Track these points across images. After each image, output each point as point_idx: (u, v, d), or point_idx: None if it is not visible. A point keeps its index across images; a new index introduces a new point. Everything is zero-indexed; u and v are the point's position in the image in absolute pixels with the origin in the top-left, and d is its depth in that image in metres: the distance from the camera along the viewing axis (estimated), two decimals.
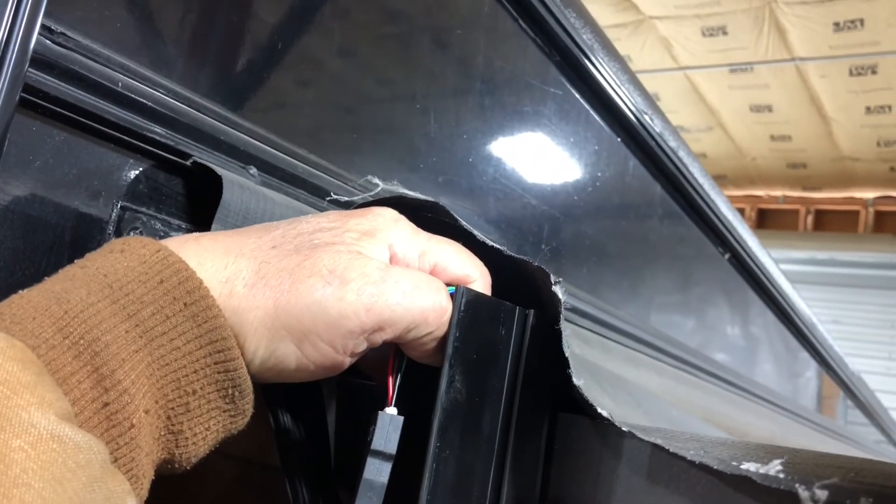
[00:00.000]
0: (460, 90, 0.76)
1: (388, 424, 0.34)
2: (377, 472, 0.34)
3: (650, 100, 1.05)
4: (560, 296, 0.40)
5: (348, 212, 0.41)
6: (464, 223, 0.47)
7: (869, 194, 5.20)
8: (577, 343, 0.86)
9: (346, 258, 0.35)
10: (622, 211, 1.06)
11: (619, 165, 1.02)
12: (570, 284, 0.92)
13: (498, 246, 0.45)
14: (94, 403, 0.28)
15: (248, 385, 0.34)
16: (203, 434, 0.33)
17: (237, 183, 0.49)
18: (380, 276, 0.35)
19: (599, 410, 0.37)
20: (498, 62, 0.79)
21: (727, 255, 1.31)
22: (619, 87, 0.96)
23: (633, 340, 1.05)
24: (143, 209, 0.48)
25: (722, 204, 1.23)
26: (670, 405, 0.84)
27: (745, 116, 4.64)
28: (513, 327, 0.39)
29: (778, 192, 5.49)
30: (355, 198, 0.56)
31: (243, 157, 0.53)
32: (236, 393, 0.33)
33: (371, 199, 0.55)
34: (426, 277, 0.37)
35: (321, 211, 0.55)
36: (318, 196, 0.57)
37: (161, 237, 0.48)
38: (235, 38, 0.54)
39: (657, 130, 1.05)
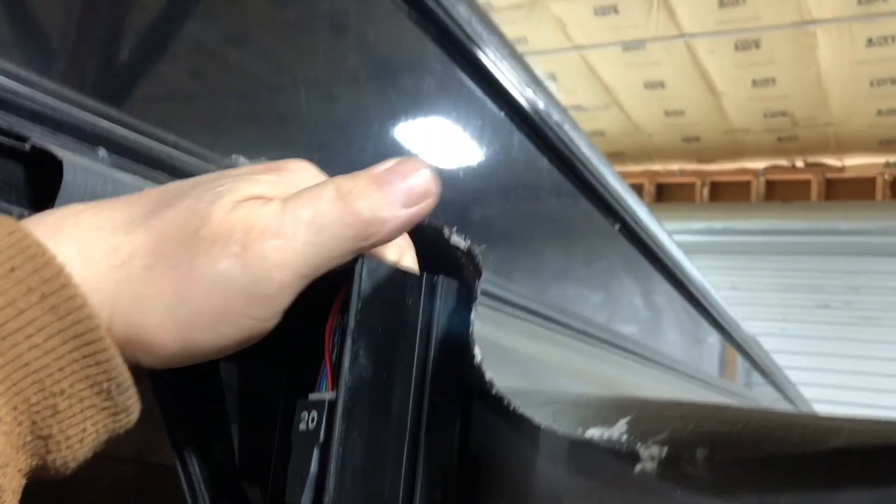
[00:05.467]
0: (333, 64, 0.74)
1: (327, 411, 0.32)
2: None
3: (533, 75, 1.06)
4: (462, 246, 0.36)
5: None
6: None
7: (759, 164, 5.42)
8: None
9: (242, 213, 0.31)
10: (510, 186, 1.06)
11: (504, 141, 1.02)
12: None
13: None
14: None
15: (126, 378, 0.30)
16: (79, 436, 0.29)
17: (80, 166, 0.46)
18: (279, 220, 0.31)
19: (488, 378, 0.34)
20: (371, 36, 0.78)
21: (617, 226, 1.33)
22: (500, 61, 0.96)
23: (527, 313, 1.06)
24: None
25: (609, 175, 1.25)
26: (560, 374, 0.85)
27: (639, 93, 4.76)
28: (420, 296, 0.36)
29: (674, 167, 5.66)
30: None
31: (91, 138, 0.50)
32: (113, 387, 0.29)
33: None
34: (328, 190, 0.32)
35: None
36: (177, 176, 0.55)
37: None
38: (77, 10, 0.51)
39: (541, 106, 1.06)
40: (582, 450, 0.29)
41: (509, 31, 4.25)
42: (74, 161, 0.46)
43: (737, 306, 5.09)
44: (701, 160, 5.52)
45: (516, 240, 1.12)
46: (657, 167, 5.73)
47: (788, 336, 5.06)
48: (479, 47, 0.90)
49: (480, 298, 0.91)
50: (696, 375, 1.91)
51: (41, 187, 0.47)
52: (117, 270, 0.30)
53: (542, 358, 0.93)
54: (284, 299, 0.31)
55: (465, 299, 0.36)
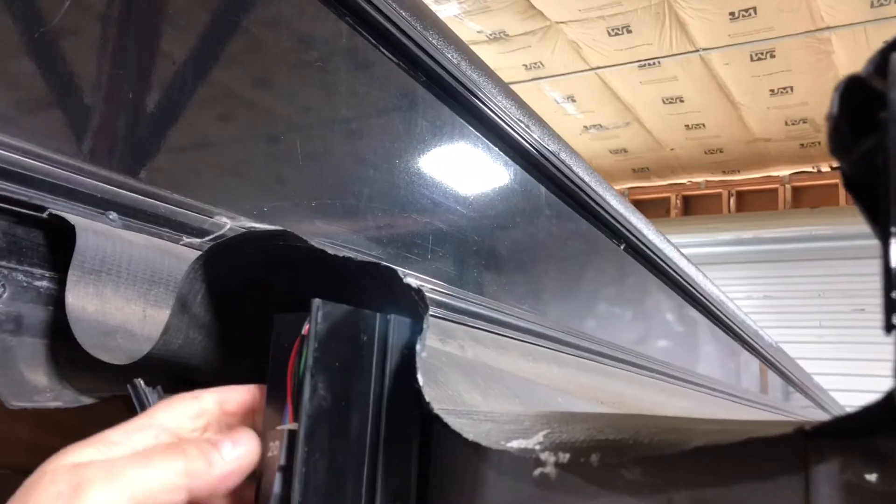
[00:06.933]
0: (325, 118, 0.80)
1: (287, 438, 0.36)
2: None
3: (526, 107, 1.11)
4: (413, 285, 0.41)
5: None
6: (314, 243, 0.51)
7: (784, 172, 5.40)
8: (469, 342, 0.90)
9: None
10: (511, 215, 1.11)
11: (500, 173, 1.07)
12: (460, 287, 0.97)
13: (349, 255, 0.47)
14: None
15: None
16: None
17: (92, 229, 0.52)
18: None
19: (428, 400, 0.39)
20: (362, 87, 0.84)
21: (622, 246, 1.37)
22: (491, 98, 1.02)
23: (534, 336, 1.11)
24: (3, 263, 0.50)
25: (611, 197, 1.29)
26: (558, 392, 0.89)
27: (658, 109, 4.79)
28: (374, 333, 0.40)
29: (699, 179, 5.66)
30: (206, 238, 0.59)
31: (101, 203, 0.56)
32: None
33: (220, 240, 0.58)
34: (178, 465, 0.36)
35: (178, 245, 0.59)
36: (182, 232, 0.61)
37: (24, 288, 0.52)
38: (81, 90, 0.57)
39: (535, 137, 1.11)
40: (505, 457, 0.34)
41: (525, 57, 4.33)
42: (86, 225, 0.52)
43: (771, 315, 5.06)
44: (725, 171, 5.51)
45: (524, 267, 1.16)
46: (682, 180, 5.73)
47: (825, 343, 5.00)
48: (466, 86, 0.95)
49: (481, 323, 0.95)
50: (718, 387, 1.93)
51: (60, 250, 0.53)
52: None
53: (543, 378, 0.97)
54: None
55: (417, 332, 0.41)
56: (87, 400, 0.52)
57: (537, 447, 0.33)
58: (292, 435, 0.36)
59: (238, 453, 0.38)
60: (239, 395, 0.41)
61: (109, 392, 0.52)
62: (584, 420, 0.36)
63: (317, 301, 0.38)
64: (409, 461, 0.40)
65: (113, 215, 0.57)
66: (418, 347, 0.39)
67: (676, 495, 0.33)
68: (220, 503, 0.41)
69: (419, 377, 0.38)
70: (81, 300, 0.51)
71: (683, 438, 0.29)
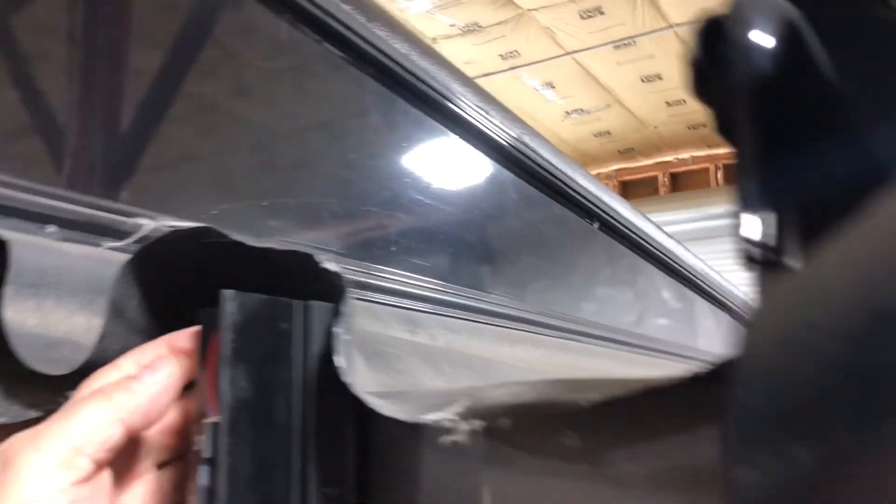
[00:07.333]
0: (272, 115, 0.80)
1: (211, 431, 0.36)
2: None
3: (483, 93, 1.11)
4: (331, 268, 0.41)
5: None
6: (234, 236, 0.49)
7: None
8: (441, 331, 0.90)
9: None
10: (476, 202, 1.11)
11: (462, 160, 1.07)
12: (429, 277, 0.97)
13: (269, 245, 0.46)
14: None
15: None
16: None
17: (28, 244, 0.52)
18: None
19: (348, 382, 0.39)
20: (308, 83, 0.83)
21: (596, 224, 1.37)
22: (445, 86, 1.02)
23: (510, 320, 1.10)
24: None
25: (580, 177, 1.29)
26: (531, 373, 0.89)
27: (638, 89, 4.78)
28: (293, 320, 0.40)
29: (685, 155, 5.66)
30: (127, 241, 0.59)
31: (39, 218, 0.56)
32: None
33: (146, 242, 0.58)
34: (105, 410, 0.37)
35: (120, 253, 0.58)
36: (122, 239, 0.60)
37: None
38: (10, 105, 0.57)
39: (496, 122, 1.11)
40: (439, 434, 0.34)
41: (500, 47, 4.32)
42: (21, 240, 0.52)
43: None
44: (710, 145, 5.51)
45: (497, 253, 1.16)
46: (668, 158, 5.73)
47: None
48: (417, 76, 0.95)
49: (454, 311, 0.94)
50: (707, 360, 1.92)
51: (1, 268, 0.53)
52: None
53: (520, 361, 0.97)
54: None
55: (336, 316, 0.41)
56: (34, 414, 0.51)
57: (452, 416, 0.33)
58: (215, 427, 0.36)
59: (157, 376, 0.39)
60: (151, 349, 0.42)
61: (56, 404, 0.52)
62: (507, 387, 0.36)
63: (227, 292, 0.38)
64: (343, 446, 0.39)
65: (52, 228, 0.57)
66: (337, 330, 0.39)
67: (613, 454, 0.33)
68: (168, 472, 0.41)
69: (336, 359, 0.37)
70: (21, 314, 0.51)
71: (584, 395, 0.29)
